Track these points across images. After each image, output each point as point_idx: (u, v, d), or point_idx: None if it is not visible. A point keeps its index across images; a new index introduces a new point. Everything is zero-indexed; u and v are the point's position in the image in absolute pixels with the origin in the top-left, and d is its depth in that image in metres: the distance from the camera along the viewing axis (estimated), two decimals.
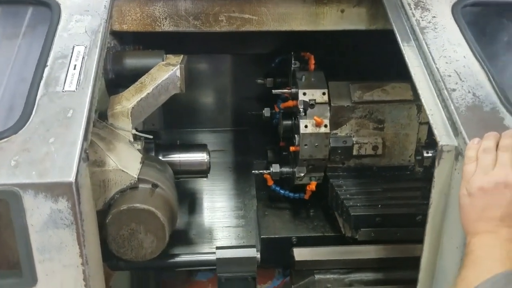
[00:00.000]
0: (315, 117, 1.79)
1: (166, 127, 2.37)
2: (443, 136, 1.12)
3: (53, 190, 0.99)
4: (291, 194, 2.03)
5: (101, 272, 1.16)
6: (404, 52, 1.30)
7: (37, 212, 1.00)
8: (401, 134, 1.92)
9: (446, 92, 1.16)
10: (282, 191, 2.03)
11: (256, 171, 1.99)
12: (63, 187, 0.99)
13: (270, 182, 2.00)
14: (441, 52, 1.25)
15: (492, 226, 0.97)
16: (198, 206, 2.14)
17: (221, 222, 2.06)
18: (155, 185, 1.33)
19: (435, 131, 1.13)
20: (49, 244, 1.03)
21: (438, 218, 1.17)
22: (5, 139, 1.03)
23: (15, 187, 0.98)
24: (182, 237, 1.95)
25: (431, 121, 1.15)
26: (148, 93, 1.42)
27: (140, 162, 1.37)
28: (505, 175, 0.97)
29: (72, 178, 0.99)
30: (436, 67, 1.22)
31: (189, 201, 2.14)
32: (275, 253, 1.89)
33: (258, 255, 1.46)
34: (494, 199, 0.97)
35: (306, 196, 2.02)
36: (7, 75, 1.19)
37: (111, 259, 1.36)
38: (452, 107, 1.13)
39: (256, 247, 1.50)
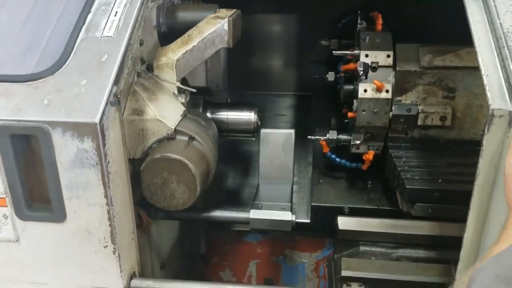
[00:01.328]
0: (375, 81, 1.70)
1: (230, 89, 2.38)
2: (497, 99, 1.00)
3: (79, 129, 1.04)
4: (348, 163, 1.96)
5: (130, 215, 1.21)
6: (466, 6, 1.17)
7: (65, 150, 1.06)
8: (474, 105, 1.76)
9: (506, 51, 1.03)
10: (338, 159, 1.96)
11: (312, 137, 1.94)
12: (88, 127, 1.04)
13: (326, 149, 1.95)
14: (508, 6, 1.11)
15: None
16: (253, 169, 2.14)
17: None
18: (191, 138, 1.34)
19: (488, 93, 1.01)
20: (76, 182, 1.09)
21: (486, 192, 1.06)
22: (42, 79, 1.10)
23: (44, 124, 1.04)
24: (233, 198, 1.98)
25: (485, 82, 1.03)
26: (194, 46, 1.42)
27: (181, 115, 1.39)
28: None
29: (96, 120, 1.03)
30: (500, 23, 1.08)
31: (244, 164, 2.16)
32: (326, 222, 1.85)
33: (294, 218, 1.43)
34: None
35: (364, 167, 1.94)
36: (55, 21, 1.25)
37: (149, 208, 1.41)
38: (510, 66, 1.00)
39: (292, 210, 1.46)
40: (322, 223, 1.86)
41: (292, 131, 1.77)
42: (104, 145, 1.06)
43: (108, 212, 1.11)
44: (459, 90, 1.75)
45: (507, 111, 0.98)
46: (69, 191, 1.10)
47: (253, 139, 1.71)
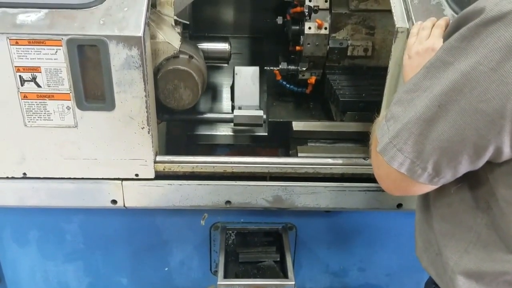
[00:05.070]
0: (317, 20, 2.27)
1: (195, 32, 2.86)
2: (399, 21, 1.61)
3: (129, 41, 1.52)
4: (295, 88, 2.55)
5: (154, 109, 1.71)
6: None
7: (118, 56, 1.53)
8: (388, 40, 2.38)
9: None
10: (288, 85, 2.54)
11: (268, 67, 2.50)
12: (135, 39, 1.52)
13: (279, 77, 2.51)
14: None
15: None
16: (219, 96, 2.67)
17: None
18: (191, 56, 1.85)
19: (394, 17, 1.62)
20: (124, 80, 1.57)
21: (393, 82, 1.68)
22: (95, 7, 1.55)
23: (104, 37, 1.50)
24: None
25: (393, 11, 1.63)
26: None
27: (180, 40, 1.88)
28: (433, 43, 1.46)
29: (141, 34, 1.52)
30: None
31: (212, 92, 2.68)
32: (279, 134, 2.42)
33: (264, 115, 1.99)
34: (424, 59, 1.46)
35: (308, 91, 2.54)
36: None
37: (157, 112, 1.91)
38: (408, 0, 1.61)
39: (264, 110, 2.02)
40: (276, 135, 2.44)
41: (257, 67, 2.24)
42: (145, 52, 1.54)
43: (146, 102, 1.61)
44: (378, 28, 2.35)
45: (406, 28, 1.60)
46: (118, 87, 1.58)
47: (227, 65, 2.23)
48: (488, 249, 1.20)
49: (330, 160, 1.82)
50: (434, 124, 1.07)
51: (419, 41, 1.50)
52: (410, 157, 1.13)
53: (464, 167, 1.11)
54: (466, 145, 1.05)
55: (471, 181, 1.20)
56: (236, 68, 2.22)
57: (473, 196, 1.21)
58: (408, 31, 1.59)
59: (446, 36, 1.13)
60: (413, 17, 1.59)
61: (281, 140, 2.43)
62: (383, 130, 1.21)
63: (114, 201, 1.78)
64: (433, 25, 1.52)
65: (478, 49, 0.99)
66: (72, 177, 1.73)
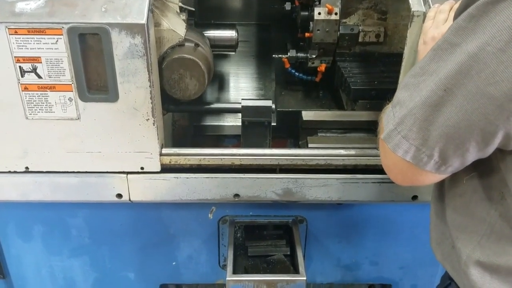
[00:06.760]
0: (327, 5, 2.20)
1: (201, 19, 2.79)
2: (415, 4, 1.54)
3: (132, 28, 1.46)
4: (304, 76, 2.49)
5: (159, 99, 1.66)
6: None
7: (120, 45, 1.48)
8: (401, 25, 2.32)
9: None
10: (297, 73, 2.48)
11: (276, 55, 2.44)
12: (138, 27, 1.46)
13: (287, 65, 2.45)
14: None
15: None
16: (226, 85, 2.62)
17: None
18: (197, 44, 1.79)
19: (410, 0, 1.55)
20: (127, 70, 1.52)
21: (409, 69, 1.61)
22: None
23: (106, 25, 1.45)
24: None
25: None
26: None
27: (185, 28, 1.82)
28: None
29: (144, 21, 1.46)
30: None
31: (219, 82, 2.62)
32: (288, 124, 2.37)
33: (273, 106, 1.93)
34: None
35: (317, 79, 2.48)
36: None
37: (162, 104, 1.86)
38: None
39: (272, 100, 1.96)
40: (285, 126, 2.39)
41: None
42: (149, 41, 1.49)
43: (151, 92, 1.56)
44: (390, 13, 2.29)
45: (422, 11, 1.53)
46: (122, 77, 1.53)
47: (234, 53, 2.17)
48: (502, 242, 1.15)
49: (342, 151, 1.77)
50: (440, 109, 1.01)
51: (435, 25, 1.43)
52: (415, 144, 1.07)
53: (472, 155, 1.05)
54: (473, 131, 1.00)
55: (483, 170, 1.14)
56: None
57: (486, 186, 1.16)
58: (424, 15, 1.53)
59: (456, 16, 1.07)
60: (429, 0, 1.52)
61: (290, 130, 2.38)
62: (388, 116, 1.15)
63: (119, 195, 1.74)
64: (451, 9, 1.46)
65: (486, 29, 0.93)
66: (75, 170, 1.69)
